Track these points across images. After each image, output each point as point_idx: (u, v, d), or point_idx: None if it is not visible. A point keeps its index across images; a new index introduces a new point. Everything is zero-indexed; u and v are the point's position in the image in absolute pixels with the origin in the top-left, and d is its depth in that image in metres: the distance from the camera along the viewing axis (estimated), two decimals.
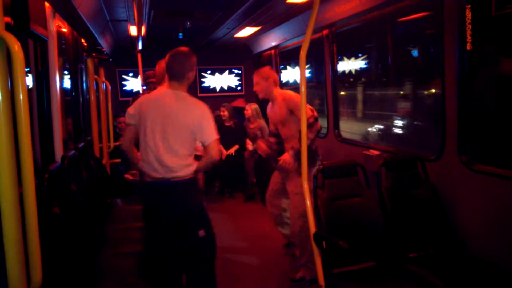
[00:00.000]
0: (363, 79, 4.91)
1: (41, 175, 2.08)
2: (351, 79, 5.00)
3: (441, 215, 2.48)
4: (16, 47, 1.25)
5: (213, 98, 6.45)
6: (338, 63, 4.30)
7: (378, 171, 2.55)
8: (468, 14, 2.29)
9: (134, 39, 4.64)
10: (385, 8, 3.31)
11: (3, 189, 1.30)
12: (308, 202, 2.46)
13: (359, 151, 3.54)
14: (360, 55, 4.76)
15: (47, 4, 2.37)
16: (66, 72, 3.34)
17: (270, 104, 3.22)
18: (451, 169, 2.52)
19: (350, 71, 4.84)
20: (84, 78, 4.05)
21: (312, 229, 2.38)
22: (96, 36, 3.75)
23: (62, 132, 2.61)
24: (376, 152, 3.33)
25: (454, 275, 2.11)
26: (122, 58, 5.99)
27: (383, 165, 2.57)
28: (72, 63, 3.46)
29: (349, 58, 4.80)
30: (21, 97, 1.28)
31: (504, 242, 2.16)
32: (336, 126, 4.26)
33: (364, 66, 4.79)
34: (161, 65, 2.80)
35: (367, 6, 3.28)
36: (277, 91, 3.10)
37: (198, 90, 6.55)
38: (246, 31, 5.00)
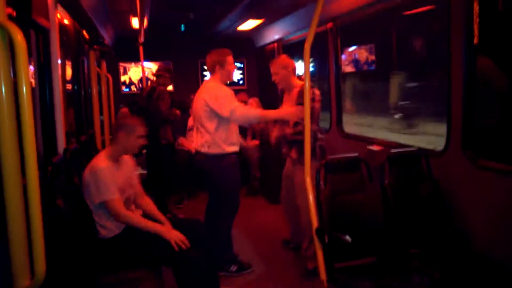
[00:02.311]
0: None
1: (44, 168, 2.07)
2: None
3: (444, 211, 2.47)
4: (19, 37, 1.23)
5: None
6: (342, 56, 4.27)
7: (382, 167, 2.54)
8: (476, 7, 2.26)
9: (136, 32, 4.62)
10: (391, 2, 3.28)
11: (7, 181, 1.30)
12: (311, 197, 2.45)
13: (362, 146, 3.52)
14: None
15: None
16: (68, 64, 3.32)
17: (286, 94, 3.22)
18: (455, 164, 2.50)
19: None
20: (86, 71, 4.03)
21: (314, 223, 2.37)
22: (98, 28, 3.72)
23: (65, 125, 2.60)
24: (380, 147, 3.32)
25: (456, 272, 2.11)
26: (124, 51, 5.95)
27: (387, 160, 2.55)
28: (74, 55, 3.44)
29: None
30: (24, 88, 1.27)
31: (507, 239, 2.15)
32: (339, 120, 4.24)
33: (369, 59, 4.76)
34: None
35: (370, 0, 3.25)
36: (296, 81, 3.13)
37: (200, 83, 6.53)
38: (249, 24, 4.97)
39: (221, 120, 2.91)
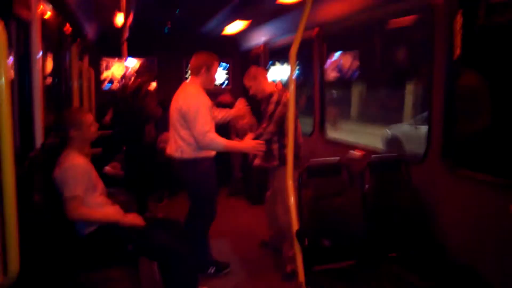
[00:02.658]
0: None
1: (21, 163, 2.01)
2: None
3: (422, 218, 2.52)
4: None
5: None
6: (326, 62, 4.32)
7: (362, 172, 2.58)
8: (459, 19, 2.33)
9: (121, 27, 4.54)
10: (376, 11, 3.34)
11: None
12: (292, 200, 2.47)
13: (344, 151, 3.57)
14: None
15: None
16: (49, 58, 3.23)
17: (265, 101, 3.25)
18: (434, 173, 2.57)
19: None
20: (67, 65, 3.93)
21: (295, 226, 2.39)
22: (82, 21, 3.65)
23: (43, 119, 2.53)
24: (361, 152, 3.37)
25: (433, 276, 2.16)
26: (107, 46, 5.85)
27: (367, 166, 2.60)
28: (56, 48, 3.36)
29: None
30: (3, 80, 1.23)
31: (483, 247, 2.22)
32: (322, 125, 4.29)
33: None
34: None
35: (357, 8, 3.31)
36: (270, 86, 3.17)
37: (183, 80, 6.47)
38: (235, 26, 4.96)
39: None
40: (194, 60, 2.96)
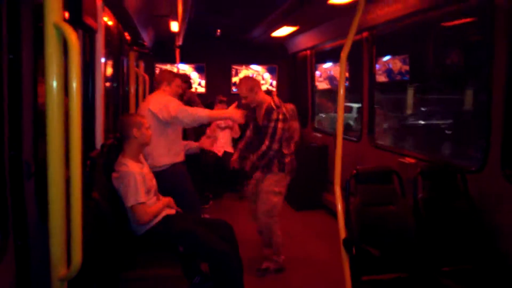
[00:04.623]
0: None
1: (83, 162, 2.16)
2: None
3: (480, 230, 2.37)
4: (73, 37, 1.30)
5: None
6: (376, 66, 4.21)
7: (415, 180, 2.48)
8: None
9: (174, 35, 4.75)
10: (429, 13, 3.21)
11: (52, 173, 1.36)
12: (339, 207, 2.43)
13: (394, 158, 3.45)
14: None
15: None
16: (109, 64, 3.46)
17: (257, 110, 3.27)
18: (493, 183, 2.41)
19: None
20: (125, 70, 4.18)
21: (342, 234, 2.35)
22: (139, 30, 3.86)
23: (104, 121, 2.71)
24: (412, 160, 3.24)
25: None
26: (161, 53, 6.13)
27: (420, 174, 2.49)
28: (116, 55, 3.58)
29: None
30: (74, 86, 1.33)
31: None
32: (371, 130, 4.18)
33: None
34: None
35: (410, 10, 3.20)
36: (265, 97, 3.20)
37: (231, 86, 6.61)
38: (283, 31, 4.99)
39: (162, 131, 2.95)
40: (158, 76, 3.25)
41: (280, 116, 3.06)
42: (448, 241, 2.33)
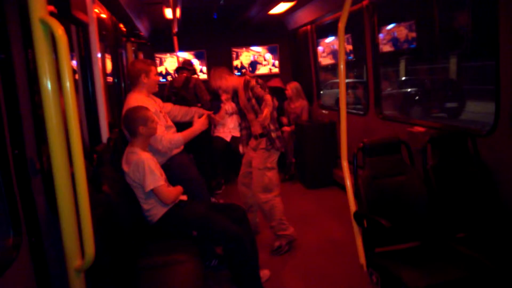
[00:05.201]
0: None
1: (90, 156, 2.18)
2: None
3: (492, 195, 2.33)
4: (59, 31, 1.29)
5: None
6: (379, 35, 4.09)
7: (424, 148, 2.44)
8: None
9: (170, 22, 4.69)
10: None
11: (56, 171, 1.37)
12: (348, 182, 2.41)
13: (402, 128, 3.39)
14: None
15: None
16: (107, 57, 3.44)
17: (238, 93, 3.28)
18: (504, 145, 2.35)
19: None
20: (125, 63, 4.16)
21: (352, 208, 2.34)
22: (134, 20, 3.82)
23: (107, 115, 2.72)
24: (421, 129, 3.18)
25: (506, 258, 2.00)
26: (159, 42, 6.08)
27: (429, 142, 2.45)
28: (113, 48, 3.56)
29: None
30: (67, 81, 1.33)
31: None
32: (378, 103, 4.11)
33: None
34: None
35: None
36: (237, 80, 3.21)
37: (232, 70, 6.54)
38: (281, 7, 4.88)
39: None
40: (131, 70, 2.88)
41: (259, 82, 3.11)
42: (461, 207, 2.30)
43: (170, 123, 2.98)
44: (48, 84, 1.32)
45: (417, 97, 9.60)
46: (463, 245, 2.11)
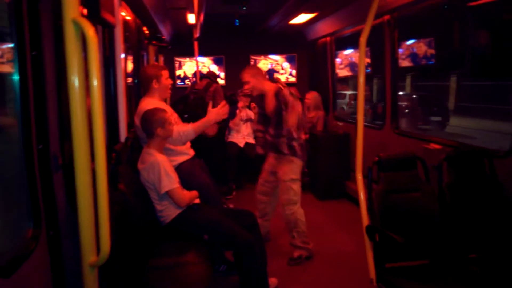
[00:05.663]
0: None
1: (108, 154, 2.23)
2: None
3: (508, 217, 2.29)
4: (90, 32, 1.33)
5: None
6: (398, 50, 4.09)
7: (440, 166, 2.41)
8: None
9: (192, 27, 4.77)
10: None
11: (78, 166, 1.41)
12: (362, 194, 2.40)
13: (418, 144, 3.37)
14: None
15: None
16: (129, 59, 3.52)
17: (265, 98, 3.26)
18: None
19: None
20: (145, 65, 4.24)
21: (365, 221, 2.32)
22: (157, 24, 3.90)
23: (127, 115, 2.77)
24: (438, 146, 3.15)
25: None
26: (180, 46, 6.18)
27: (445, 160, 2.42)
28: (135, 49, 3.64)
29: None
30: (94, 80, 1.37)
31: None
32: (394, 117, 4.08)
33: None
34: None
35: None
36: (269, 85, 3.19)
37: None
38: (302, 18, 4.92)
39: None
40: (142, 76, 2.87)
41: (292, 92, 3.12)
42: (475, 227, 2.26)
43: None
44: (76, 82, 1.36)
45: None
46: (476, 266, 2.08)
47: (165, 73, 2.86)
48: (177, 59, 6.50)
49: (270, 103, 3.16)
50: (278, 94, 3.10)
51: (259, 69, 3.29)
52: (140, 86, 3.02)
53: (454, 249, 2.23)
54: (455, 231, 2.25)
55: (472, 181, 2.38)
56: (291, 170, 3.18)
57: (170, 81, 2.93)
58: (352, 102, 10.54)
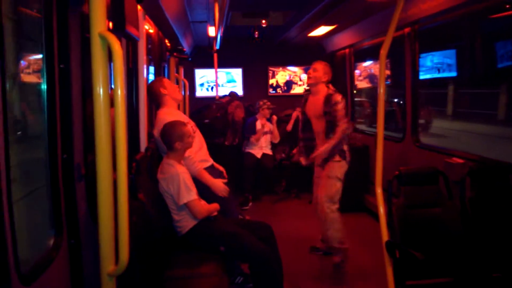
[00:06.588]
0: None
1: (129, 164, 2.26)
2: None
3: None
4: (116, 46, 1.37)
5: (285, 98, 6.47)
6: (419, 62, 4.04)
7: (462, 181, 2.35)
8: None
9: (212, 40, 4.85)
10: (477, 5, 3.04)
11: (100, 176, 1.44)
12: (381, 209, 2.36)
13: (439, 158, 3.29)
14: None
15: (139, 7, 2.57)
16: (151, 70, 3.60)
17: (311, 96, 3.37)
18: None
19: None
20: (166, 76, 4.33)
21: (384, 237, 2.27)
22: (179, 36, 3.98)
23: (147, 126, 2.82)
24: (460, 160, 3.07)
25: None
26: (199, 58, 6.27)
27: (468, 175, 2.36)
28: (157, 62, 3.72)
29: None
30: (119, 91, 1.40)
31: None
32: (415, 130, 4.01)
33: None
34: None
35: (456, 2, 3.04)
36: (324, 88, 3.25)
37: (267, 88, 6.62)
38: (321, 30, 4.93)
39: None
40: (149, 92, 2.90)
41: (338, 101, 3.14)
42: (499, 245, 2.18)
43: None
44: (101, 93, 1.40)
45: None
46: (499, 285, 2.00)
47: (165, 80, 3.00)
48: (197, 70, 6.59)
49: (318, 106, 3.21)
50: (328, 98, 3.15)
51: (330, 72, 3.33)
52: (151, 103, 3.10)
53: (477, 267, 2.15)
54: (478, 249, 2.18)
55: (496, 197, 2.31)
56: (339, 169, 3.18)
57: (175, 85, 3.09)
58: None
